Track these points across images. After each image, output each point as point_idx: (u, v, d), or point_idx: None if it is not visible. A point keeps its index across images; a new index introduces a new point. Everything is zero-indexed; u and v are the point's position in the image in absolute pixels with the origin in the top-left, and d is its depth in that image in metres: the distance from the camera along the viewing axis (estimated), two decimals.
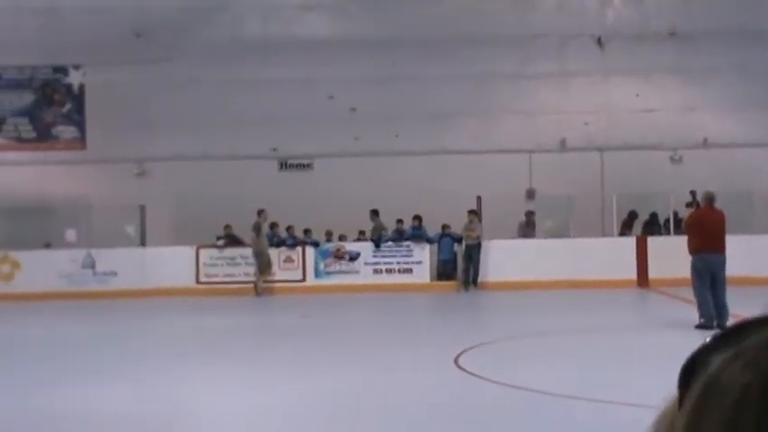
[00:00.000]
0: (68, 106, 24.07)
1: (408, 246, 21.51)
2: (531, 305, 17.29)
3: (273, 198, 22.09)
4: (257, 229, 20.89)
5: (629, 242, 21.29)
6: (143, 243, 22.65)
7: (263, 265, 20.93)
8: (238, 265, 21.52)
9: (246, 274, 21.25)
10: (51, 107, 24.14)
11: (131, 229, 22.85)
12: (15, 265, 21.65)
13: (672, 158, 24.30)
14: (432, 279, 21.48)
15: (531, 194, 24.05)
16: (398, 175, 23.61)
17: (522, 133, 24.31)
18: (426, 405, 7.44)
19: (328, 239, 21.97)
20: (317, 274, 21.53)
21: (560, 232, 22.13)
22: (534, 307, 16.95)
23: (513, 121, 24.40)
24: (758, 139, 23.71)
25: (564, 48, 24.28)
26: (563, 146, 24.40)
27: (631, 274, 20.71)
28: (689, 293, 12.60)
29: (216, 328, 14.28)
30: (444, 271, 21.62)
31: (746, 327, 0.77)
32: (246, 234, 21.29)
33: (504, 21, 23.94)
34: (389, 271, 21.43)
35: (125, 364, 10.21)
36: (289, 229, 21.83)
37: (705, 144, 24.18)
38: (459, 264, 21.41)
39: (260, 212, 20.96)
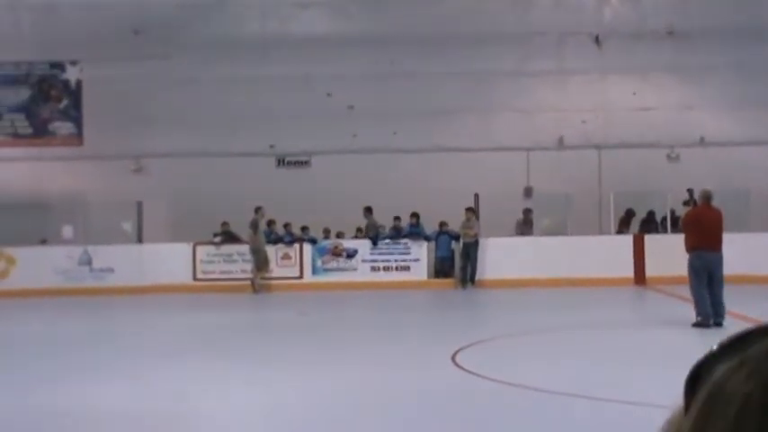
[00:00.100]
0: (65, 102, 24.03)
1: (406, 243, 21.51)
2: (528, 303, 17.30)
3: (271, 195, 22.06)
4: (254, 226, 20.88)
5: (627, 240, 21.30)
6: (140, 240, 22.63)
7: (261, 262, 20.92)
8: (235, 262, 21.51)
9: (243, 271, 21.24)
10: (48, 103, 24.10)
11: (128, 226, 22.83)
12: (11, 261, 21.63)
13: (669, 157, 24.30)
14: (429, 276, 21.48)
15: (528, 192, 24.05)
16: (396, 173, 23.59)
17: (520, 131, 24.31)
18: (424, 403, 7.43)
19: (326, 236, 21.95)
20: (315, 271, 21.52)
21: (558, 230, 22.13)
22: (531, 304, 16.96)
23: (511, 119, 24.40)
24: (755, 137, 23.72)
25: (561, 46, 24.27)
26: (560, 144, 24.40)
27: (628, 272, 20.72)
28: (686, 291, 12.61)
29: (213, 325, 14.26)
30: (442, 268, 21.62)
31: (752, 335, 0.77)
32: (244, 231, 21.27)
33: (501, 19, 23.93)
34: (387, 268, 21.42)
35: (122, 362, 10.20)
36: (286, 226, 21.82)
37: (702, 142, 24.19)
38: (456, 261, 21.42)
39: (257, 209, 20.94)
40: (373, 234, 21.81)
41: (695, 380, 0.77)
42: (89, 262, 21.53)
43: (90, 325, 15.05)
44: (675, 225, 20.76)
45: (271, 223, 21.58)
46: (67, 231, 22.61)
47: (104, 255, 21.56)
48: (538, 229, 22.54)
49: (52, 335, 13.51)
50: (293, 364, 9.65)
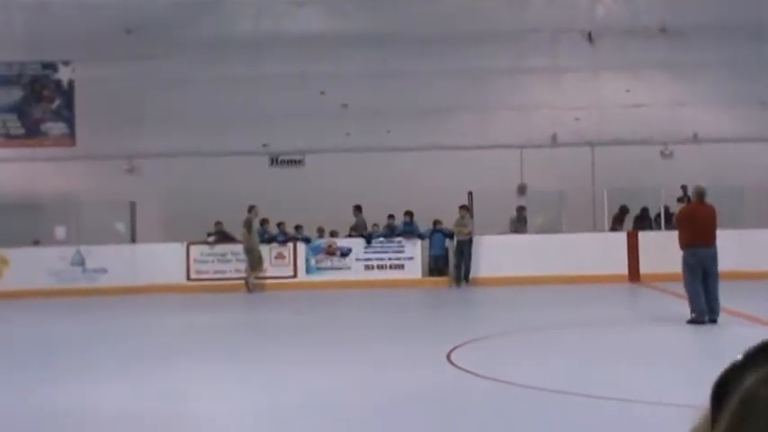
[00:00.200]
0: (57, 102, 23.96)
1: (400, 241, 21.49)
2: (522, 301, 17.30)
3: (264, 194, 22.03)
4: (248, 225, 20.83)
5: (621, 237, 21.31)
6: (133, 240, 22.58)
7: (254, 262, 20.89)
8: (229, 261, 21.47)
9: (237, 271, 21.20)
10: (40, 103, 24.03)
11: (121, 226, 22.78)
12: (4, 262, 21.56)
13: (662, 153, 24.32)
14: (423, 275, 21.47)
15: (522, 190, 24.05)
16: (390, 171, 23.58)
17: (514, 129, 24.31)
18: (420, 402, 7.41)
19: (320, 235, 21.92)
20: (309, 270, 21.49)
21: (552, 227, 22.13)
22: (526, 302, 16.95)
23: (505, 117, 24.39)
24: (748, 133, 23.75)
25: (555, 43, 24.27)
26: (554, 141, 24.40)
27: (622, 269, 20.74)
28: (680, 288, 12.60)
29: (207, 325, 14.23)
30: (436, 267, 21.60)
31: None
32: (237, 230, 21.23)
33: (495, 17, 23.93)
34: (381, 267, 21.40)
35: (117, 363, 10.16)
36: (280, 225, 21.78)
37: (695, 139, 24.20)
38: (450, 259, 21.41)
39: (251, 208, 20.90)
40: (362, 233, 21.83)
41: (722, 389, 0.75)
42: (82, 262, 21.48)
43: (84, 326, 15.00)
44: (669, 222, 20.76)
45: (264, 222, 21.54)
46: (60, 232, 22.54)
47: (97, 255, 21.50)
48: (532, 226, 22.53)
49: (46, 336, 13.46)
50: (288, 364, 9.63)
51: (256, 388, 8.29)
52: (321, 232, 22.00)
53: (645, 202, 22.64)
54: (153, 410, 7.38)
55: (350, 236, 22.00)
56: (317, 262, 21.52)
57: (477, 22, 23.76)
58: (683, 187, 20.74)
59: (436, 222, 21.51)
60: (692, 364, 9.37)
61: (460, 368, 8.75)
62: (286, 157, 24.80)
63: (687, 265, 12.03)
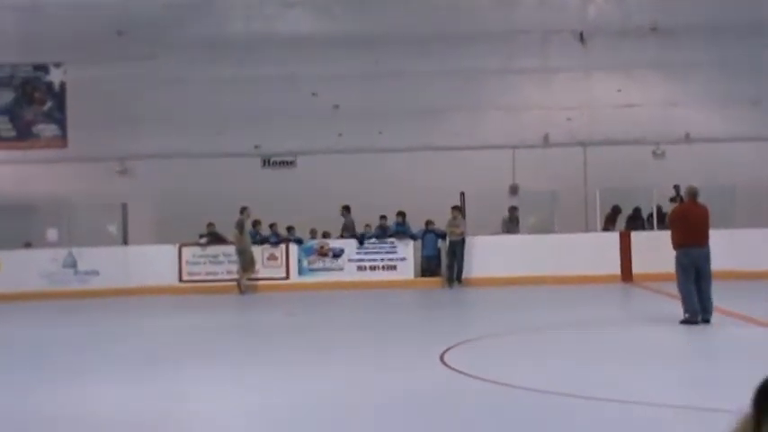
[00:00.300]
0: (49, 104, 23.89)
1: (392, 242, 21.48)
2: (515, 301, 17.29)
3: (256, 195, 22.02)
4: (240, 226, 20.80)
5: (613, 237, 21.33)
6: (125, 241, 22.52)
7: (247, 263, 20.86)
8: (221, 263, 21.43)
9: (229, 272, 21.18)
10: (32, 105, 23.96)
11: (113, 228, 22.71)
12: None
13: (654, 153, 24.35)
14: (416, 275, 21.47)
15: (514, 190, 24.07)
16: (382, 172, 23.58)
17: (505, 129, 24.32)
18: (413, 403, 7.39)
19: (312, 237, 21.89)
20: (301, 271, 21.47)
21: (544, 228, 22.13)
22: (519, 303, 16.95)
23: (496, 118, 24.41)
24: (740, 133, 23.79)
25: (546, 44, 24.29)
26: (546, 141, 24.41)
27: (615, 269, 20.76)
28: (673, 288, 12.60)
29: (200, 327, 14.20)
30: (428, 267, 21.59)
31: None
32: (229, 232, 21.19)
33: (486, 17, 23.95)
34: (373, 268, 21.39)
35: (109, 365, 10.12)
36: (272, 226, 21.75)
37: (687, 139, 24.24)
38: (443, 260, 21.40)
39: (243, 210, 20.88)
40: (350, 233, 21.83)
41: (764, 395, 0.74)
42: (74, 264, 21.42)
43: (76, 328, 14.95)
44: (662, 221, 20.79)
45: (256, 224, 21.51)
46: (52, 234, 22.47)
47: (89, 257, 21.44)
48: (524, 226, 22.53)
49: (38, 338, 13.41)
50: (280, 366, 9.61)
51: (249, 389, 8.27)
52: (314, 233, 21.97)
53: (637, 202, 22.66)
54: (145, 412, 7.36)
55: (342, 237, 21.97)
56: (309, 263, 21.50)
57: (468, 22, 23.78)
58: (676, 187, 20.77)
59: (428, 223, 21.50)
60: (686, 364, 9.39)
61: (453, 369, 8.74)
62: (278, 159, 24.78)
63: (680, 265, 12.03)
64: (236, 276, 20.94)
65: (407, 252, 21.48)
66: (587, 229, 22.53)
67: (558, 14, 24.20)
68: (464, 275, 20.96)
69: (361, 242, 21.49)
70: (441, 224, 21.36)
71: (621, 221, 22.67)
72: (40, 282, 21.14)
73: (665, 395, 7.27)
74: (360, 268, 21.42)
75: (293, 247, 21.54)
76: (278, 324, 14.50)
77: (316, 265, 21.49)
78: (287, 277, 21.42)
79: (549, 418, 6.74)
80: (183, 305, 18.60)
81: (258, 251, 21.26)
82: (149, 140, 23.96)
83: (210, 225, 21.73)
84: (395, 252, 21.46)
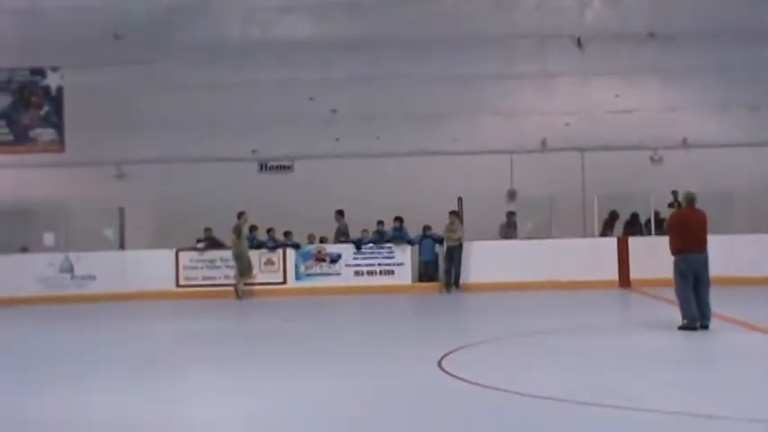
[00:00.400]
0: (46, 108, 23.85)
1: (390, 247, 21.45)
2: (513, 306, 17.26)
3: (254, 200, 22.01)
4: (237, 231, 20.76)
5: (611, 242, 21.30)
6: (122, 246, 22.47)
7: (244, 268, 20.83)
8: (218, 267, 21.40)
9: (227, 277, 21.14)
10: (29, 110, 23.92)
11: (110, 233, 22.67)
12: None
13: (652, 159, 24.35)
14: (413, 280, 21.44)
15: (512, 195, 24.05)
16: (379, 177, 23.57)
17: (503, 134, 24.32)
18: (411, 408, 7.36)
19: (309, 242, 21.86)
20: (298, 276, 21.43)
21: (542, 233, 22.11)
22: (517, 308, 16.92)
23: (494, 122, 24.40)
24: (738, 139, 23.79)
25: (544, 49, 24.29)
26: (544, 146, 24.41)
27: (613, 274, 20.73)
28: (671, 294, 12.57)
29: (197, 332, 14.16)
30: (426, 272, 21.57)
31: None
32: (227, 237, 21.15)
33: (484, 22, 23.96)
34: (371, 273, 21.36)
35: (106, 371, 10.08)
36: (269, 231, 21.71)
37: (685, 144, 24.25)
38: (440, 265, 21.37)
39: (240, 215, 20.84)
40: (344, 238, 21.82)
41: None
42: (71, 269, 21.37)
43: (72, 333, 14.91)
44: (659, 227, 20.80)
45: (253, 229, 21.46)
46: (49, 238, 22.43)
47: (86, 262, 21.39)
48: (522, 231, 22.52)
49: (34, 344, 13.36)
50: (278, 371, 9.57)
51: (247, 394, 8.23)
52: (311, 238, 21.93)
53: (635, 208, 22.64)
54: (142, 418, 7.33)
55: (340, 241, 21.93)
56: (306, 268, 21.47)
57: (466, 27, 23.78)
58: (674, 192, 20.76)
59: (426, 228, 21.48)
60: (684, 370, 9.35)
61: (451, 375, 8.71)
62: (275, 163, 24.75)
63: (678, 270, 12.00)
64: (233, 281, 20.91)
65: (405, 257, 21.45)
66: (585, 234, 22.51)
67: (555, 19, 24.21)
68: (462, 280, 20.93)
69: (358, 247, 21.46)
70: (438, 229, 21.34)
71: (619, 227, 22.66)
72: (36, 286, 21.09)
73: (663, 401, 7.24)
74: (357, 273, 21.39)
75: (290, 252, 21.50)
76: (275, 329, 14.46)
77: (313, 271, 21.46)
78: (284, 282, 21.39)
79: (547, 424, 6.71)
80: (180, 310, 18.56)
81: (255, 256, 21.22)
82: (146, 145, 23.95)
83: (208, 230, 21.70)
84: (392, 257, 21.43)
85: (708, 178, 21.61)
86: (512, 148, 24.29)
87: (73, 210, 22.77)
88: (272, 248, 21.50)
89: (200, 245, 21.59)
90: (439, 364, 9.33)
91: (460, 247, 20.96)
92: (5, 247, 21.51)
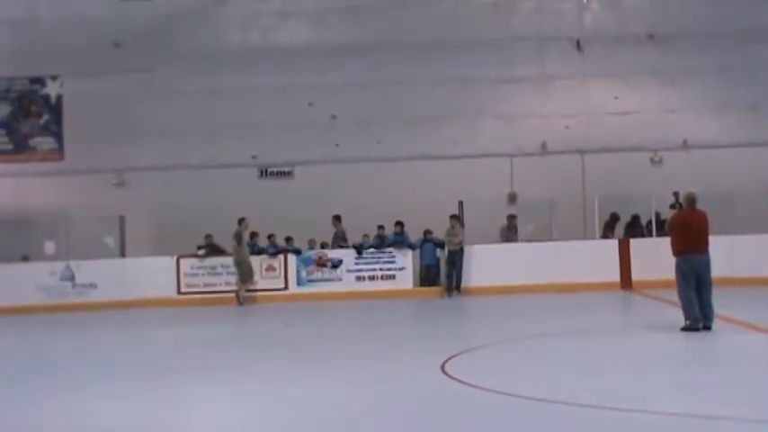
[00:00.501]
0: (46, 117, 23.87)
1: (391, 252, 21.44)
2: (515, 309, 17.24)
3: (254, 206, 22.00)
4: (238, 237, 20.75)
5: (612, 244, 21.28)
6: (123, 254, 22.48)
7: (245, 274, 20.81)
8: (219, 274, 21.37)
9: (228, 284, 21.12)
10: (28, 119, 23.93)
11: (111, 240, 22.66)
12: None
13: (652, 160, 24.34)
14: (415, 285, 21.42)
15: (512, 198, 24.05)
16: (379, 182, 23.57)
17: (503, 137, 24.32)
18: (415, 413, 7.34)
19: (310, 247, 21.84)
20: (300, 281, 21.42)
21: (543, 236, 22.11)
22: (519, 311, 16.90)
23: (494, 126, 24.40)
24: (738, 139, 23.79)
25: (543, 51, 24.30)
26: (544, 149, 24.40)
27: (614, 276, 20.71)
28: (672, 295, 12.55)
29: (199, 339, 14.14)
30: (427, 277, 21.55)
31: None
32: (227, 243, 21.13)
33: (483, 25, 23.99)
34: (372, 278, 21.34)
35: (108, 379, 10.06)
36: (270, 237, 21.69)
37: (685, 145, 24.24)
38: (442, 269, 21.35)
39: (241, 221, 20.83)
40: (341, 243, 21.82)
41: None
42: (72, 278, 21.36)
43: (74, 342, 14.90)
44: (660, 228, 20.77)
45: (254, 236, 21.43)
46: (49, 247, 22.42)
47: (87, 270, 21.37)
48: (523, 234, 22.51)
49: (36, 352, 13.35)
50: (280, 377, 9.55)
51: (248, 401, 8.21)
52: (312, 244, 21.91)
53: (635, 209, 22.63)
54: (144, 425, 7.31)
55: (340, 246, 21.91)
56: (307, 274, 21.45)
57: (465, 31, 23.80)
58: (676, 194, 20.74)
59: (427, 232, 21.46)
60: (687, 371, 9.33)
61: (455, 379, 8.69)
62: (275, 169, 24.76)
63: (680, 271, 11.97)
64: (234, 288, 20.89)
65: (406, 262, 21.44)
66: (586, 236, 22.50)
67: (554, 22, 24.23)
68: (463, 284, 20.91)
69: (359, 252, 21.44)
70: (439, 233, 21.32)
71: (620, 229, 22.64)
72: (37, 295, 21.08)
73: (665, 403, 7.22)
74: (358, 278, 21.37)
75: (291, 258, 21.49)
76: (277, 335, 14.43)
77: (314, 276, 21.44)
78: (285, 288, 21.37)
79: (549, 427, 6.69)
80: (181, 317, 18.53)
81: (256, 262, 21.20)
82: (146, 152, 23.95)
83: (209, 236, 21.68)
84: (393, 262, 21.42)
85: (708, 179, 21.61)
86: (512, 151, 24.29)
87: (73, 218, 22.77)
88: (274, 254, 21.49)
89: (201, 252, 21.58)
90: (441, 368, 9.30)
91: (461, 250, 20.95)
92: (6, 257, 21.50)
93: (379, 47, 23.75)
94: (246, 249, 20.94)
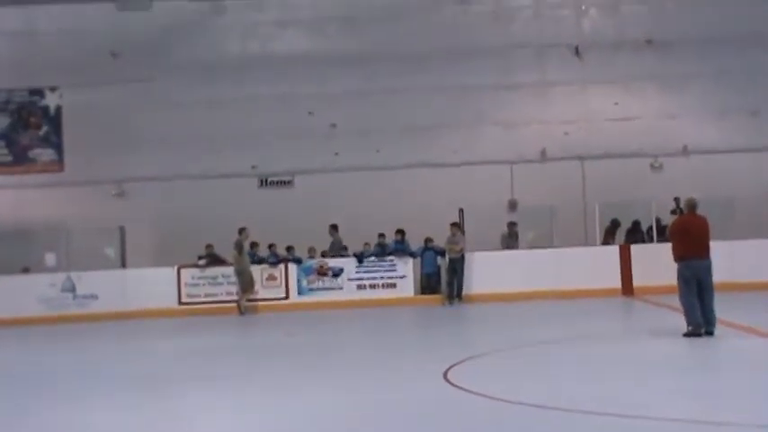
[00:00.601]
0: (45, 129, 23.85)
1: (391, 260, 21.42)
2: (516, 317, 17.22)
3: (254, 215, 21.98)
4: (239, 247, 20.73)
5: (613, 251, 21.27)
6: (123, 265, 22.46)
7: (246, 284, 20.79)
8: (220, 284, 21.35)
9: (229, 294, 21.10)
10: (28, 130, 23.91)
11: (111, 251, 22.65)
12: None
13: (652, 166, 24.32)
14: (416, 293, 21.40)
15: (513, 205, 24.02)
16: (380, 190, 23.55)
17: (503, 144, 24.30)
18: (418, 421, 7.32)
19: (311, 256, 21.82)
20: (301, 291, 21.39)
21: (543, 242, 22.09)
22: (520, 318, 16.88)
23: (494, 133, 24.39)
24: (738, 145, 23.77)
25: (542, 58, 24.30)
26: (544, 156, 24.38)
27: (615, 282, 20.69)
28: (674, 301, 12.54)
29: (201, 349, 14.12)
30: (428, 284, 21.53)
31: None
32: (228, 253, 21.11)
33: (482, 33, 24.00)
34: (373, 286, 21.32)
35: (109, 389, 10.04)
36: (271, 246, 21.67)
37: (685, 151, 24.22)
38: (443, 277, 21.32)
39: (241, 230, 20.81)
40: (338, 252, 21.81)
41: None
42: (72, 289, 21.33)
43: (75, 353, 14.88)
44: (661, 234, 20.76)
45: (254, 245, 21.40)
46: (50, 259, 22.40)
47: (88, 281, 21.34)
48: (523, 241, 22.49)
49: (37, 364, 13.33)
50: (282, 387, 9.53)
51: (250, 410, 8.19)
52: (312, 252, 21.88)
53: (636, 215, 22.60)
54: None
55: (340, 256, 21.90)
56: (308, 283, 21.43)
57: (464, 38, 23.81)
58: (676, 199, 20.70)
59: (428, 240, 21.44)
60: (690, 377, 9.30)
61: (458, 387, 8.67)
62: (275, 179, 24.74)
63: (682, 277, 11.96)
64: (235, 297, 20.87)
65: (407, 270, 21.42)
66: (587, 242, 22.48)
67: (553, 29, 24.24)
68: (464, 292, 20.89)
69: (360, 261, 21.43)
70: (440, 241, 21.30)
71: (621, 235, 22.62)
72: (38, 307, 21.05)
73: (667, 409, 7.20)
74: (359, 287, 21.35)
75: (292, 267, 21.47)
76: (278, 344, 14.41)
77: (315, 285, 21.42)
78: (286, 297, 21.35)
79: None
80: (182, 327, 18.51)
81: (257, 271, 21.18)
82: (146, 163, 23.93)
83: (209, 246, 21.65)
84: (394, 270, 21.40)
85: (708, 184, 21.58)
86: (512, 158, 24.27)
87: (73, 229, 22.75)
88: (274, 264, 21.47)
89: (202, 262, 21.56)
90: (445, 375, 9.29)
91: (462, 258, 20.93)
92: (7, 268, 21.47)
93: (377, 55, 23.76)
94: (247, 259, 20.93)
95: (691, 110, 24.26)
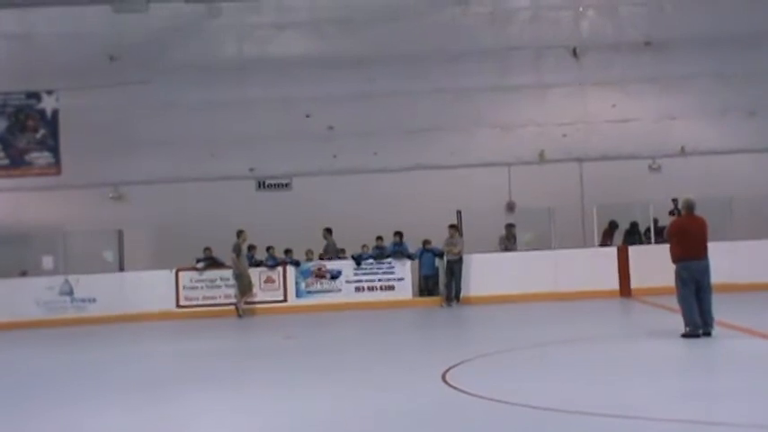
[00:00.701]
0: (42, 132, 23.83)
1: (390, 262, 21.41)
2: (515, 318, 17.21)
3: (252, 218, 21.97)
4: (237, 250, 20.72)
5: (611, 252, 21.26)
6: (121, 268, 22.43)
7: (244, 287, 20.78)
8: (219, 287, 21.34)
9: (227, 296, 21.08)
10: (25, 133, 23.89)
11: (109, 255, 22.62)
12: None
13: (650, 167, 24.31)
14: (414, 295, 21.39)
15: (510, 207, 24.01)
16: (378, 192, 23.54)
17: (501, 146, 24.29)
18: (417, 423, 7.31)
19: (309, 258, 21.81)
20: (299, 293, 21.38)
21: (541, 244, 22.06)
22: (518, 320, 16.87)
23: (492, 135, 24.38)
24: (736, 145, 23.78)
25: (540, 60, 24.30)
26: (542, 158, 24.37)
27: (613, 284, 20.69)
28: (672, 302, 12.54)
29: (199, 352, 14.11)
30: (426, 287, 21.52)
31: None
32: (226, 256, 21.10)
33: (479, 35, 24.00)
34: (371, 288, 21.31)
35: (108, 392, 10.03)
36: (269, 249, 21.66)
37: (683, 152, 24.22)
38: (441, 279, 21.32)
39: (239, 233, 20.80)
40: (332, 256, 21.80)
41: None
42: (70, 292, 21.31)
43: (73, 356, 14.86)
44: (659, 235, 20.74)
45: (251, 248, 21.39)
46: (48, 262, 22.37)
47: (86, 284, 21.32)
48: (521, 243, 22.47)
49: (35, 367, 13.31)
50: (280, 389, 9.52)
51: (249, 413, 8.18)
52: (310, 255, 21.87)
53: (634, 217, 22.61)
54: None
55: (338, 258, 21.88)
56: (306, 285, 21.41)
57: (461, 40, 23.81)
58: (674, 200, 20.70)
59: (426, 242, 21.44)
60: (688, 378, 9.30)
61: (456, 388, 8.66)
62: (273, 181, 24.70)
63: (680, 278, 11.95)
64: (233, 300, 20.86)
65: (405, 272, 21.41)
66: (585, 244, 22.48)
67: (551, 31, 24.23)
68: (462, 294, 20.88)
69: (358, 263, 21.42)
70: (438, 243, 21.30)
71: (619, 236, 22.61)
72: (36, 310, 21.02)
73: (666, 409, 7.19)
74: (358, 289, 21.34)
75: (290, 270, 21.46)
76: (277, 347, 14.40)
77: (313, 287, 21.40)
78: (285, 300, 21.33)
79: None
80: (181, 330, 18.50)
81: (255, 274, 21.17)
82: (143, 166, 23.91)
83: (207, 249, 21.64)
84: (392, 272, 21.39)
85: (707, 185, 21.57)
86: (509, 160, 24.26)
87: (71, 232, 22.71)
88: (272, 266, 21.46)
89: (200, 264, 21.53)
90: (443, 377, 9.28)
91: (461, 260, 20.93)
92: (4, 272, 21.45)
93: (375, 58, 23.75)
94: (245, 262, 20.92)
95: (689, 111, 24.27)
